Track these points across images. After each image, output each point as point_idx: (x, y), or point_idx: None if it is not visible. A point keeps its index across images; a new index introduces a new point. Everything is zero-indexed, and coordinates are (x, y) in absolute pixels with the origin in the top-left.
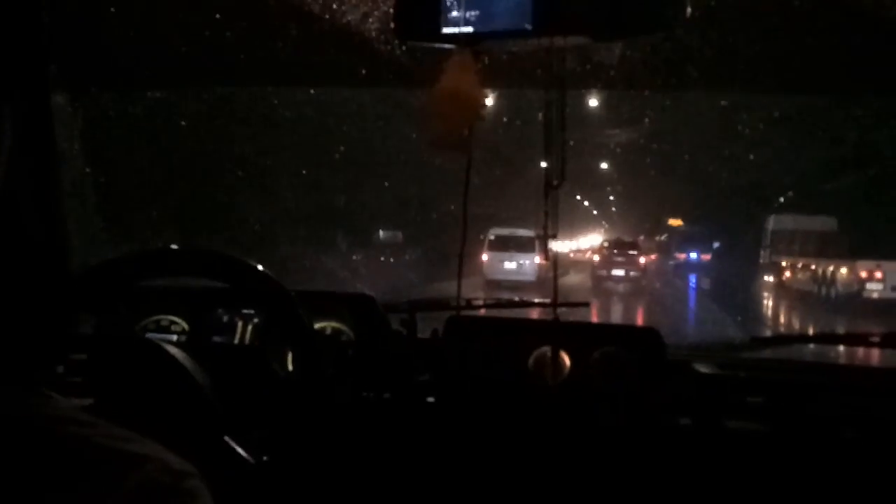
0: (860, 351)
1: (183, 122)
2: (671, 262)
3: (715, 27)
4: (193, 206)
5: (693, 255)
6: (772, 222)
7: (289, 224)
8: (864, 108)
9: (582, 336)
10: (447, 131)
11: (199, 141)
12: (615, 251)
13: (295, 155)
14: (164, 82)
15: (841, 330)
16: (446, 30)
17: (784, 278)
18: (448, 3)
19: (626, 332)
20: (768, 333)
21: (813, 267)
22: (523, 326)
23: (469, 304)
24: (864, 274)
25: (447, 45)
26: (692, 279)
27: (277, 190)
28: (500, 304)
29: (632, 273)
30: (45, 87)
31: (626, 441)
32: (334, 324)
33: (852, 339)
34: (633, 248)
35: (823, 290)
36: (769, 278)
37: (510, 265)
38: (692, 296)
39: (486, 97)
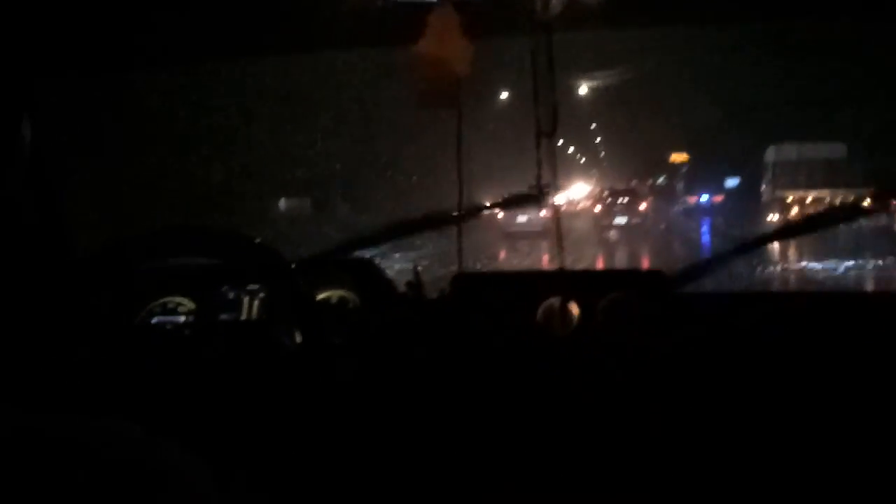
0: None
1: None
2: (679, 208)
3: None
4: (180, 182)
5: (704, 198)
6: (772, 153)
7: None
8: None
9: (588, 284)
10: (434, 87)
11: (176, 120)
12: (614, 200)
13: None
14: (133, 62)
15: (871, 273)
16: None
17: (791, 216)
18: None
19: (631, 276)
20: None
21: (827, 200)
22: (529, 279)
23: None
24: None
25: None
26: (705, 224)
27: (262, 159)
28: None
29: (634, 220)
30: (29, 78)
31: (635, 388)
32: (339, 292)
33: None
34: (632, 194)
35: (843, 227)
36: (774, 216)
37: (522, 219)
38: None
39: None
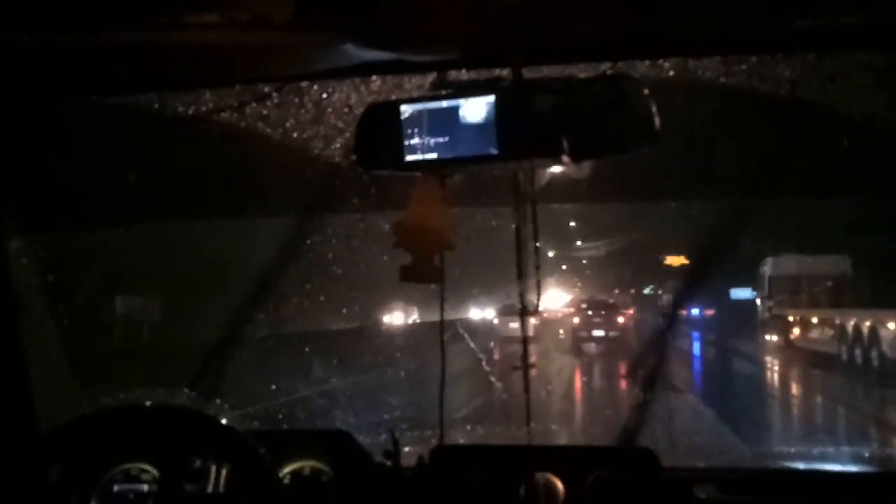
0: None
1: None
2: (666, 321)
3: (687, 136)
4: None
5: (695, 311)
6: (769, 267)
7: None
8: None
9: (574, 460)
10: (419, 261)
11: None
12: (593, 312)
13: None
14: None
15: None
16: (410, 157)
17: (792, 337)
18: (410, 131)
19: (620, 453)
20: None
21: (837, 321)
22: (511, 453)
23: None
24: None
25: (412, 173)
26: (696, 342)
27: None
28: None
29: (612, 333)
30: None
31: None
32: (312, 463)
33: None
34: (611, 308)
35: (858, 353)
36: (772, 338)
37: (514, 325)
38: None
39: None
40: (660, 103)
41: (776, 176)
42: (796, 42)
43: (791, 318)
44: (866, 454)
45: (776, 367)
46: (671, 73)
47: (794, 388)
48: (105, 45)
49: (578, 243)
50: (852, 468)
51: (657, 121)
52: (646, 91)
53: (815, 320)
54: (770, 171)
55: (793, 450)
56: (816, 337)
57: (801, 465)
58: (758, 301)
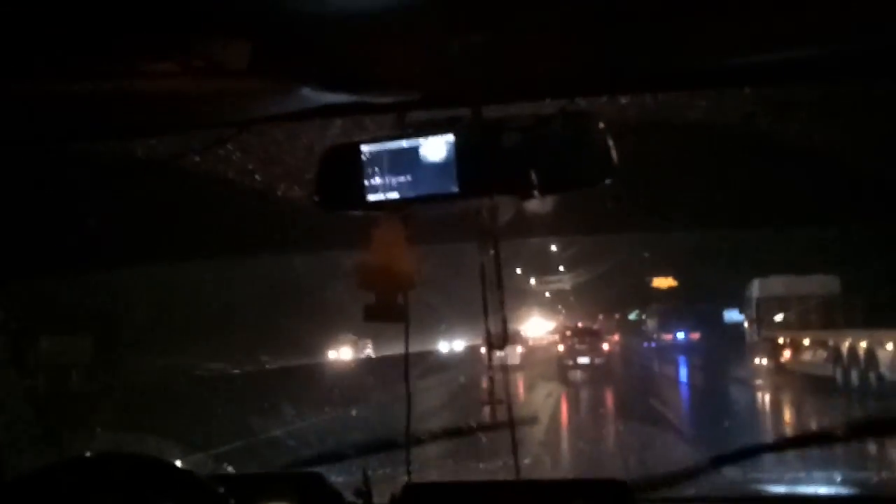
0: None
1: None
2: (651, 345)
3: (652, 168)
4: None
5: (681, 335)
6: (756, 288)
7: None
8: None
9: (545, 493)
10: (382, 301)
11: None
12: (577, 339)
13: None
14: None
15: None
16: (371, 197)
17: (783, 360)
18: (371, 171)
19: (591, 485)
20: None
21: (831, 343)
22: (484, 489)
23: None
24: None
25: (374, 212)
26: (682, 366)
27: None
28: None
29: (597, 361)
30: None
31: None
32: None
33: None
34: (595, 335)
35: (854, 375)
36: (761, 361)
37: (500, 354)
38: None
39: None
40: (625, 137)
41: (755, 203)
42: (754, 75)
43: (781, 341)
44: (841, 478)
45: (766, 393)
46: (631, 108)
47: (787, 415)
48: (60, 94)
49: (561, 269)
50: (829, 491)
51: (615, 155)
52: (602, 125)
53: (806, 342)
54: (749, 198)
55: (766, 475)
56: (809, 359)
57: (780, 490)
58: (745, 324)
